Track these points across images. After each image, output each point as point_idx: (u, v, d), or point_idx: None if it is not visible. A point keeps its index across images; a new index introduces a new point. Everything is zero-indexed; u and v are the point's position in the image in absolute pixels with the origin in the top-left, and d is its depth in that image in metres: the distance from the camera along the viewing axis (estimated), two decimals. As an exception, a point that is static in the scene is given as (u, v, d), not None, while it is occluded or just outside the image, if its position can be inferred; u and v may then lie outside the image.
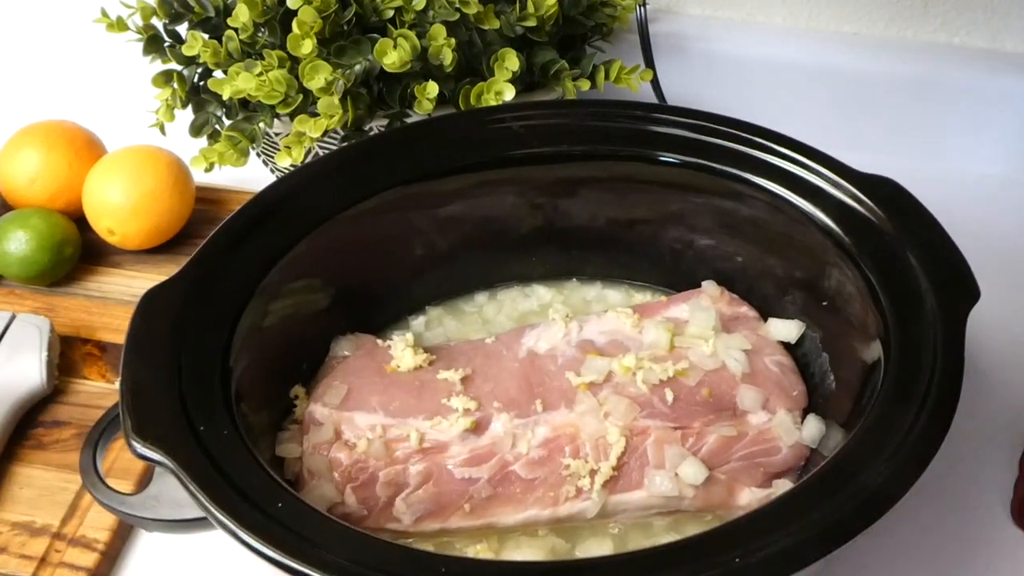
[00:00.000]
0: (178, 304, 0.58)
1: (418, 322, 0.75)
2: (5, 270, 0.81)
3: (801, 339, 0.68)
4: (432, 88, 0.75)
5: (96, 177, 0.83)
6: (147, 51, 0.82)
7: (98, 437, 0.58)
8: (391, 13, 0.76)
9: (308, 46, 0.73)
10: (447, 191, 0.70)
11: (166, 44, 0.82)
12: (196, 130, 0.82)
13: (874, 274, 0.60)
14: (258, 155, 0.87)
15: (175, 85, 0.81)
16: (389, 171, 0.68)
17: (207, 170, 0.79)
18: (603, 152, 0.69)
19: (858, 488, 0.49)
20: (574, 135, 0.69)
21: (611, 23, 0.85)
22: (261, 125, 0.78)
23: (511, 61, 0.76)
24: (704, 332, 0.67)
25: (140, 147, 0.84)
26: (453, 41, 0.74)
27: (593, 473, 0.61)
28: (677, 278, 0.74)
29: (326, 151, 0.80)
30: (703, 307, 0.68)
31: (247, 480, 0.51)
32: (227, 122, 0.81)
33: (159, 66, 0.82)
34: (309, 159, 0.79)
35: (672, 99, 0.95)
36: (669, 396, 0.63)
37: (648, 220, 0.73)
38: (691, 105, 0.70)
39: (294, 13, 0.73)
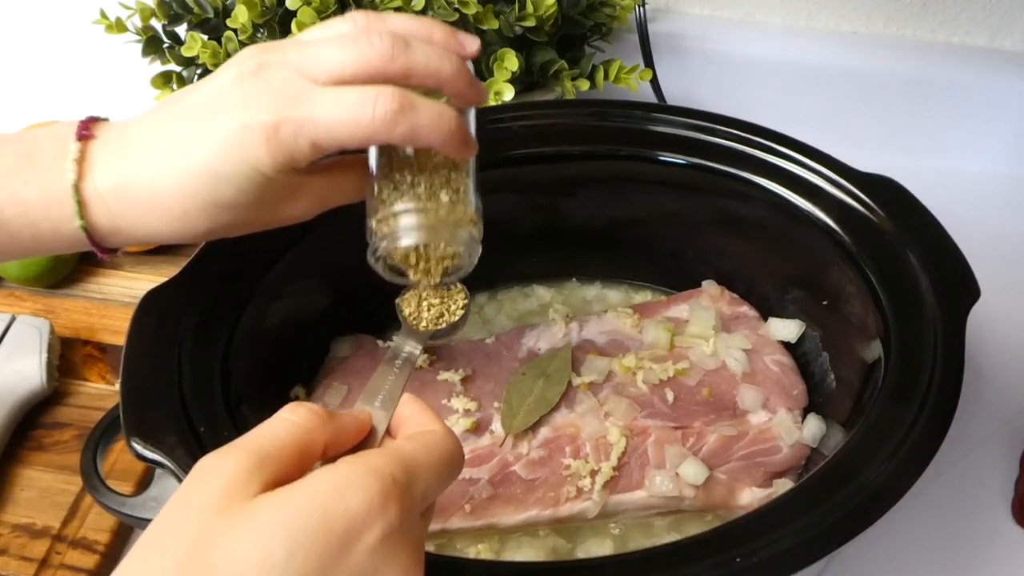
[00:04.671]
0: (178, 305, 0.58)
1: (418, 322, 0.74)
2: (5, 272, 0.80)
3: (801, 338, 0.68)
4: (431, 88, 0.75)
5: (96, 178, 0.83)
6: (146, 52, 0.82)
7: (98, 439, 0.58)
8: (390, 14, 0.75)
9: (307, 47, 0.73)
10: (447, 191, 0.70)
11: (165, 45, 0.82)
12: (196, 131, 0.82)
13: (874, 274, 0.60)
14: (258, 156, 0.87)
15: (174, 86, 0.81)
16: (389, 172, 0.68)
17: (207, 171, 0.79)
18: (603, 152, 0.69)
19: (858, 488, 0.49)
20: (574, 135, 0.69)
21: (610, 23, 0.85)
22: (261, 126, 0.78)
23: (510, 61, 0.76)
24: (704, 332, 0.67)
25: (140, 148, 0.84)
26: (452, 41, 0.74)
27: (594, 473, 0.61)
28: (677, 278, 0.74)
29: (326, 152, 0.79)
30: (703, 307, 0.68)
31: (247, 481, 0.51)
32: (227, 123, 0.81)
33: (158, 67, 0.82)
34: (309, 160, 0.78)
35: (672, 99, 0.95)
36: (669, 396, 0.63)
37: (648, 220, 0.73)
38: (691, 105, 0.70)
39: (293, 14, 0.73)
